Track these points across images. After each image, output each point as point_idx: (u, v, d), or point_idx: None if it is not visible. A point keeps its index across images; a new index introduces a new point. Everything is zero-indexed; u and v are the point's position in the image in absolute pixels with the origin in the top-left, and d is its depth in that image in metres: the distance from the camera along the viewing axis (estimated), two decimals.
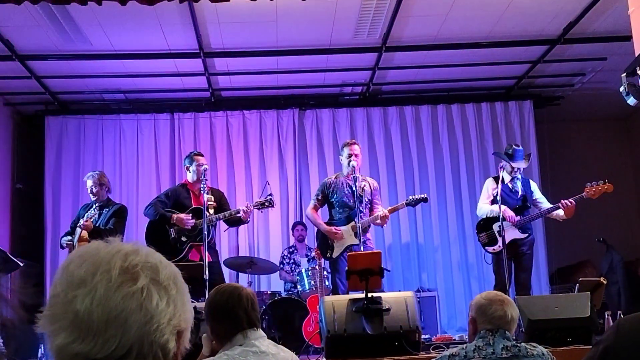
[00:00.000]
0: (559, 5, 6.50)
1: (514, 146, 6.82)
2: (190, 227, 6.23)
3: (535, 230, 8.73)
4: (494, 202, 6.72)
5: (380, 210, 6.51)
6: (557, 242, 8.89)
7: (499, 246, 6.57)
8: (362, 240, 6.22)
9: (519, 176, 6.76)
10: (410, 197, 6.80)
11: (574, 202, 6.38)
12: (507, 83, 8.88)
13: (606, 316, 5.47)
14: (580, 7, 6.63)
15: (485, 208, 6.81)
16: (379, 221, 6.50)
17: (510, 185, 6.71)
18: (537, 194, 6.88)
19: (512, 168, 6.68)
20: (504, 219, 6.45)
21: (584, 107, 9.61)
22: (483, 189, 7.04)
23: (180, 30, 6.79)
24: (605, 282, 5.68)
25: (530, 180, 7.08)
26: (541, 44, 7.51)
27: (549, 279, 8.73)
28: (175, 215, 6.29)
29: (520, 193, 6.72)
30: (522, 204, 6.69)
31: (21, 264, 6.18)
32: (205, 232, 5.98)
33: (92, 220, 6.38)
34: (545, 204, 6.76)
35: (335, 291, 6.44)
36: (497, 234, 6.62)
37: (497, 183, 6.72)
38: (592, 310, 4.83)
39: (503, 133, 9.06)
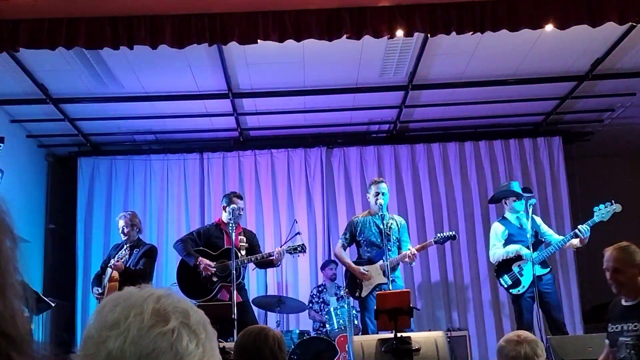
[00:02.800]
0: (586, 41, 6.50)
1: (511, 182, 6.82)
2: (209, 275, 6.28)
3: (568, 267, 8.62)
4: (505, 245, 6.65)
5: (409, 248, 6.48)
6: (590, 278, 8.72)
7: (524, 287, 6.50)
8: (390, 279, 6.18)
9: (522, 212, 6.69)
10: (439, 235, 6.76)
11: (588, 227, 6.32)
12: (536, 119, 8.84)
13: None
14: (607, 43, 6.62)
15: (499, 252, 6.70)
16: (407, 259, 6.47)
17: (517, 224, 6.64)
18: (544, 228, 6.82)
19: (517, 200, 6.63)
20: (521, 258, 6.42)
21: (614, 142, 9.52)
22: (491, 233, 6.93)
23: (209, 72, 6.91)
24: None
25: (534, 216, 6.99)
26: (569, 80, 7.49)
27: (582, 318, 8.55)
28: (200, 258, 6.33)
29: (530, 230, 6.64)
30: (535, 240, 6.60)
31: (53, 305, 6.24)
32: (235, 273, 5.99)
33: (122, 260, 6.44)
34: (554, 236, 6.70)
35: (364, 331, 6.38)
36: (518, 275, 6.53)
37: (503, 225, 6.69)
38: None
39: (532, 169, 8.99)
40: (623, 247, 3.98)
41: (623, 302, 4.03)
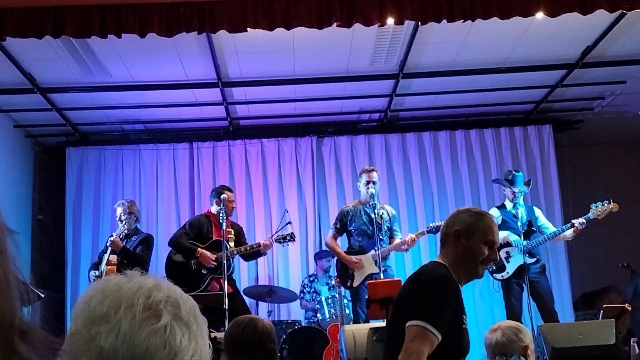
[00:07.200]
0: (577, 29, 6.49)
1: (513, 172, 6.82)
2: (212, 266, 6.27)
3: (558, 255, 8.64)
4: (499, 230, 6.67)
5: (407, 235, 6.50)
6: (580, 267, 8.77)
7: (507, 273, 6.52)
8: (382, 268, 6.19)
9: (522, 202, 6.70)
10: (431, 224, 6.75)
11: (584, 221, 6.34)
12: (526, 107, 8.84)
13: (632, 343, 5.38)
14: (597, 31, 6.61)
15: None
16: (405, 246, 6.48)
17: (513, 212, 6.66)
18: (543, 220, 6.83)
19: (513, 194, 6.63)
20: (510, 244, 6.42)
21: (604, 130, 9.54)
22: None
23: (198, 61, 6.86)
24: (630, 308, 5.60)
25: (535, 207, 7.03)
26: (559, 68, 7.48)
27: (572, 306, 8.59)
28: (200, 250, 6.31)
29: (525, 218, 6.65)
30: (527, 229, 6.62)
31: (42, 295, 6.20)
32: (226, 265, 5.98)
33: (120, 237, 6.40)
34: (550, 229, 6.70)
35: (356, 320, 6.38)
36: (504, 261, 6.55)
37: (499, 211, 6.71)
38: (617, 338, 4.75)
39: (523, 158, 8.99)
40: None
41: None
